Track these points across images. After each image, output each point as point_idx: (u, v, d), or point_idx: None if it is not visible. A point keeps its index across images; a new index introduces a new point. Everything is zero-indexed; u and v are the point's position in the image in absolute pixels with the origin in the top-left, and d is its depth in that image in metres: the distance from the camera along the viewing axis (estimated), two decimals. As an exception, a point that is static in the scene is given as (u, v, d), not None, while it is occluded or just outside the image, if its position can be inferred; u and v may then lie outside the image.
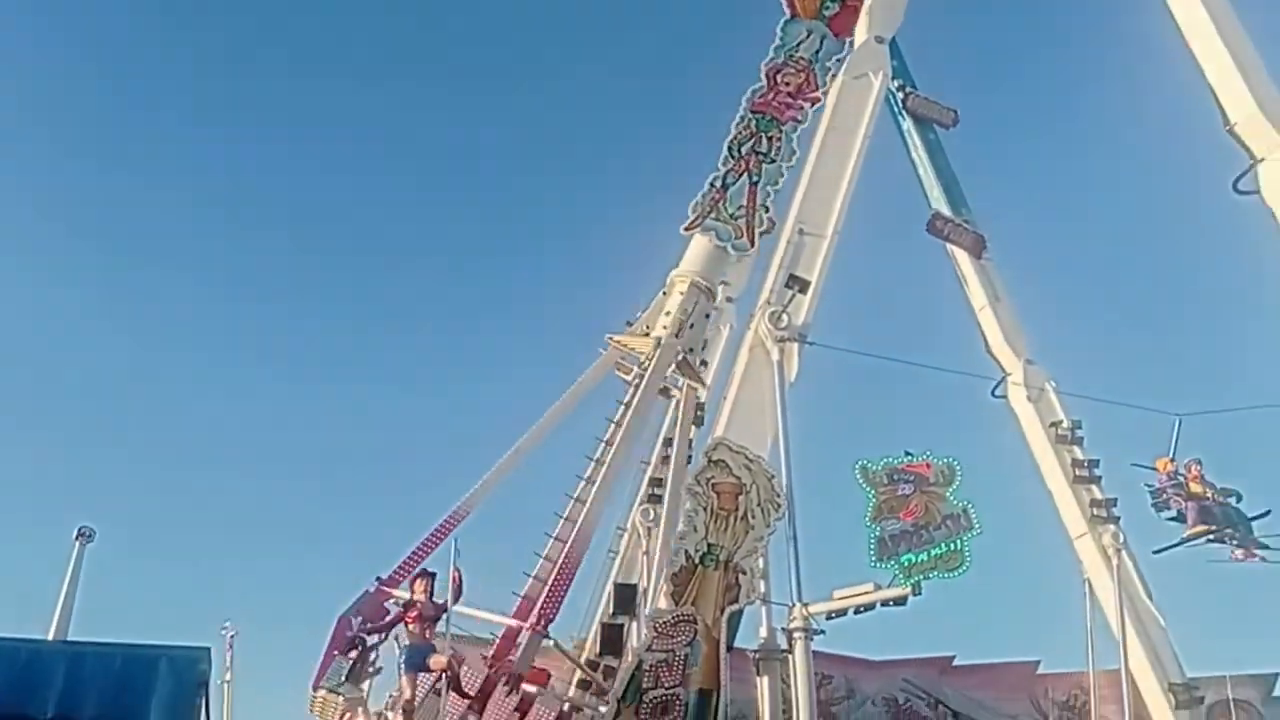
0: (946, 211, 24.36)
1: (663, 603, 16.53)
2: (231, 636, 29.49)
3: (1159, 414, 18.79)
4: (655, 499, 20.84)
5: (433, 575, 15.59)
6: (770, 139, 19.06)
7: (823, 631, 16.83)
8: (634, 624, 18.70)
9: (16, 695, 9.78)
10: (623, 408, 18.30)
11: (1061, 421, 23.01)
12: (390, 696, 15.69)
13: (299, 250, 61.70)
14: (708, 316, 20.79)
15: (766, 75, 19.37)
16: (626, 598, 18.77)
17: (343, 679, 15.42)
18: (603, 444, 18.00)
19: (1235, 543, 18.59)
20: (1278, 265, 19.27)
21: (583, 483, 17.72)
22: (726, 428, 18.13)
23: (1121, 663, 21.17)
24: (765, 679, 15.98)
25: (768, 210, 19.51)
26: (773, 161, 18.93)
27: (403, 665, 14.90)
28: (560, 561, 16.75)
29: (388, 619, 15.76)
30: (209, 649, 13.24)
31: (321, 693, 15.53)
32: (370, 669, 16.05)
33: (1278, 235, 19.19)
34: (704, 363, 20.74)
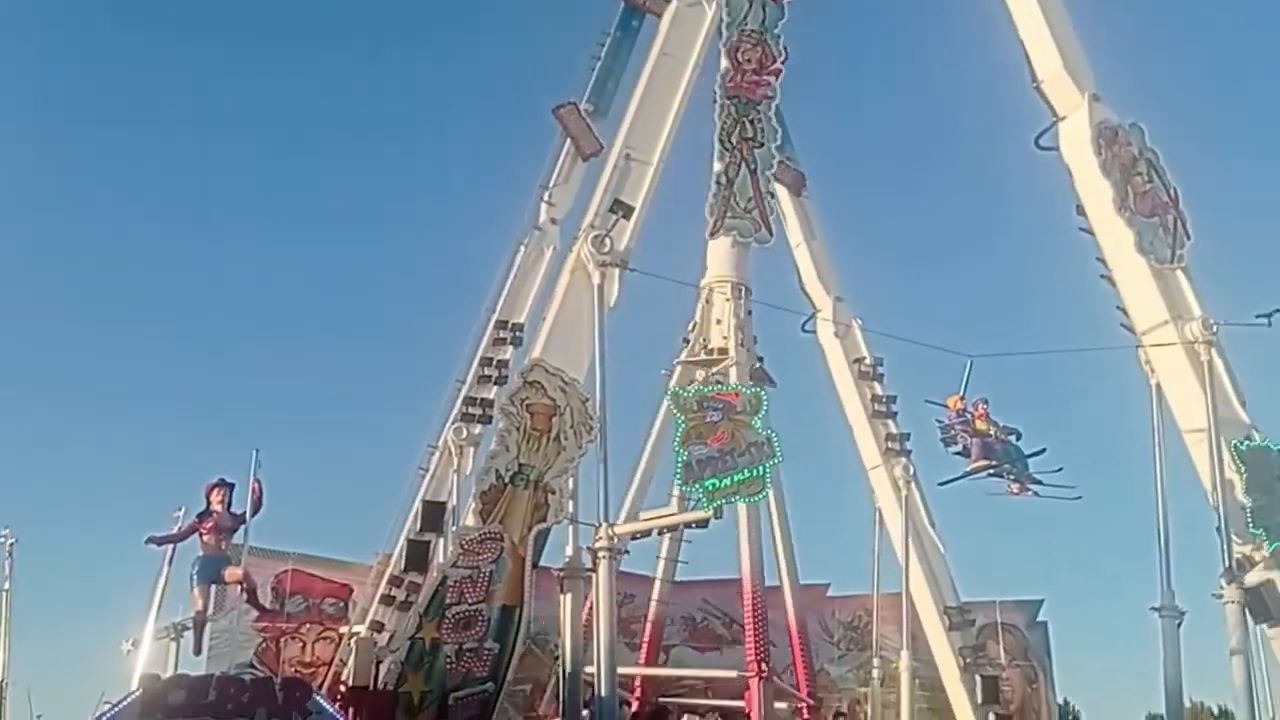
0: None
1: (470, 520, 16.57)
2: (11, 544, 27.84)
3: (953, 354, 19.80)
4: (469, 417, 20.72)
5: (231, 485, 15.13)
6: (752, 122, 19.06)
7: (627, 551, 17.19)
8: (440, 541, 18.69)
9: None
10: None
11: (864, 358, 24.07)
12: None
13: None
14: (750, 313, 23.15)
15: (727, 55, 19.44)
16: (434, 515, 18.74)
17: None
18: None
19: (1012, 477, 19.91)
20: (1072, 218, 20.48)
21: None
22: (544, 349, 18.09)
23: (904, 586, 22.56)
24: (569, 596, 16.21)
25: (773, 196, 19.90)
26: (761, 145, 18.99)
27: (195, 576, 14.49)
28: None
29: (180, 528, 15.21)
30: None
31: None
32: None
33: (1073, 190, 20.42)
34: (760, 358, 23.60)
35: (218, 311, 60.23)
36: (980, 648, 22.86)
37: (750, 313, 23.60)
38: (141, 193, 61.88)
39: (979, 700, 21.43)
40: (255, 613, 19.61)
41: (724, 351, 22.84)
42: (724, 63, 19.56)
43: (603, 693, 15.57)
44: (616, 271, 18.07)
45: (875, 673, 24.05)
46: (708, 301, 23.62)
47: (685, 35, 19.32)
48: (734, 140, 19.29)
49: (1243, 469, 18.59)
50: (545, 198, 22.97)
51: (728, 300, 23.35)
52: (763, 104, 19.38)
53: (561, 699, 16.37)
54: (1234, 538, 18.29)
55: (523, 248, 22.77)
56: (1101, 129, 19.76)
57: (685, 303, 23.84)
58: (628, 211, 18.06)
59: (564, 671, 16.30)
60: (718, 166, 19.08)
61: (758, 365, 23.33)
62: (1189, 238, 19.96)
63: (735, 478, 16.56)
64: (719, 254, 23.33)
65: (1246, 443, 18.96)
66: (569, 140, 22.81)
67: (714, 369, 22.44)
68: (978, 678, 21.69)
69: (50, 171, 56.05)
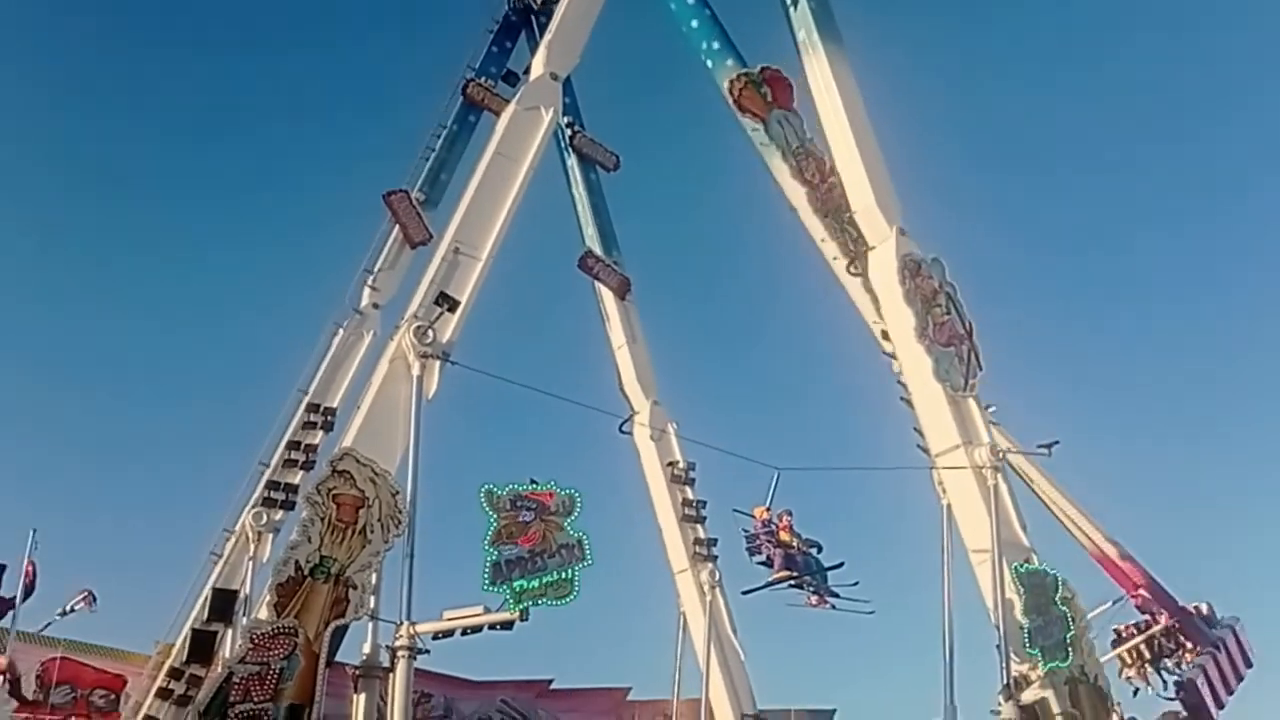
0: (598, 250, 25.34)
1: (264, 613, 15.84)
2: None
3: (763, 466, 20.39)
4: (271, 502, 20.00)
5: (3, 567, 14.07)
6: None
7: (427, 651, 16.69)
8: (229, 632, 17.83)
9: None
10: None
11: (678, 462, 24.49)
12: None
13: None
14: None
15: (797, 179, 22.64)
16: (224, 603, 17.94)
17: None
18: None
19: (811, 589, 20.51)
20: (877, 346, 21.65)
21: None
22: (356, 437, 17.66)
23: (703, 692, 22.72)
24: (363, 696, 15.64)
25: None
26: None
27: (-48, 665, 13.31)
28: None
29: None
30: None
31: None
32: None
33: (877, 315, 21.64)
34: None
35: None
36: (774, 757, 23.20)
37: None
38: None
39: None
40: (13, 705, 18.10)
41: None
42: (797, 188, 21.45)
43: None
44: (437, 364, 17.93)
45: (673, 780, 23.99)
46: None
47: (521, 137, 19.65)
48: None
49: (1022, 590, 19.72)
50: (369, 282, 22.80)
51: None
52: None
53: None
54: (1012, 656, 19.30)
55: (341, 330, 22.44)
56: (906, 261, 21.10)
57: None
58: (453, 305, 18.01)
59: (355, 774, 15.63)
60: None
61: None
62: (981, 368, 21.36)
63: (544, 579, 16.45)
64: None
65: (1026, 565, 20.16)
66: (397, 226, 22.78)
67: None
68: (768, 788, 21.97)
69: None
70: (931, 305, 21.21)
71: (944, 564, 20.27)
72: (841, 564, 20.94)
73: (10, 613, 13.74)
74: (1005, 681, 18.89)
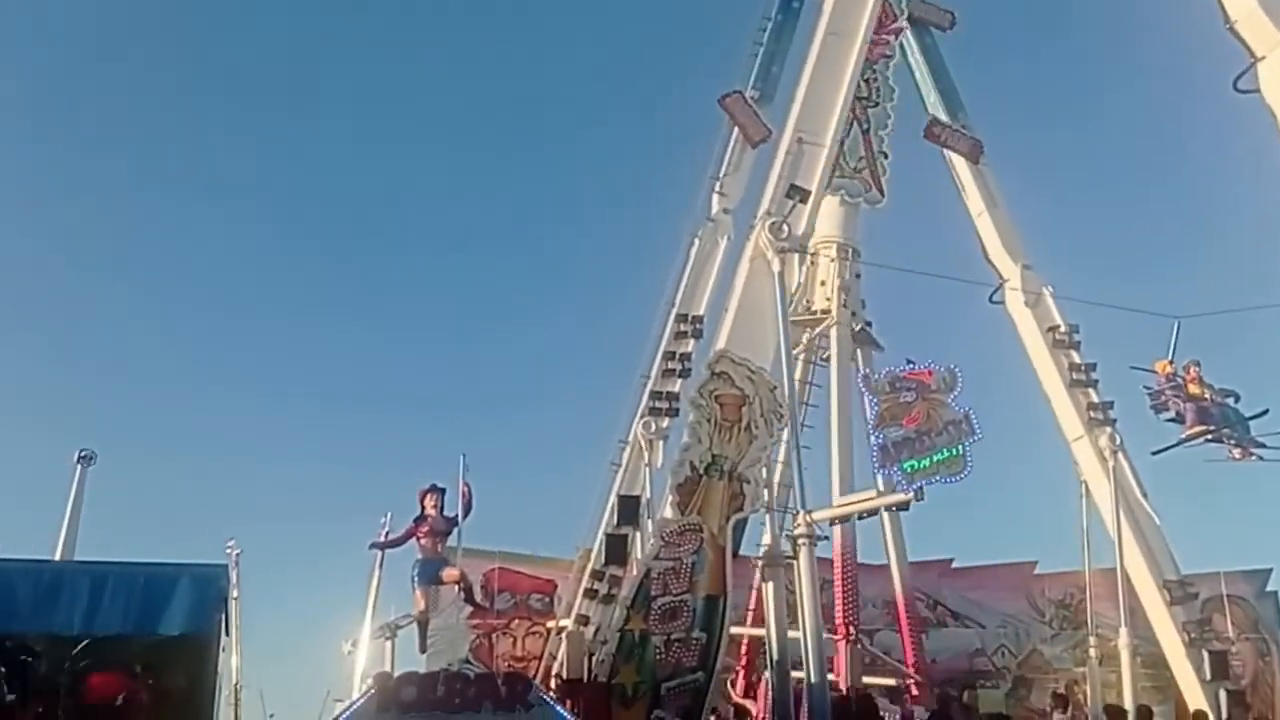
0: (944, 117, 24.12)
1: (669, 512, 16.76)
2: (237, 555, 29.82)
3: (1157, 316, 18.76)
4: (656, 411, 20.96)
5: (442, 490, 15.70)
6: (868, 82, 18.94)
7: (826, 537, 17.06)
8: (637, 534, 18.98)
9: (42, 612, 9.96)
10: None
11: (1059, 326, 23.07)
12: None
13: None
14: (858, 276, 22.27)
15: None
16: (630, 509, 19.04)
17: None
18: None
19: (1233, 442, 18.73)
20: (1277, 163, 19.10)
21: None
22: (728, 340, 18.14)
23: (1117, 561, 21.56)
24: (770, 585, 16.19)
25: (886, 156, 19.58)
26: (876, 104, 18.84)
27: (416, 578, 15.10)
28: None
29: (399, 534, 15.92)
30: (226, 566, 13.49)
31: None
32: None
33: (1276, 132, 19.04)
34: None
35: (406, 318, 62.62)
36: (1205, 622, 21.62)
37: (859, 276, 22.79)
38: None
39: (1207, 676, 20.32)
40: (468, 611, 20.39)
41: (826, 313, 22.13)
42: None
43: (813, 679, 15.48)
44: (796, 257, 17.94)
45: (1093, 651, 23.04)
46: (812, 263, 22.65)
47: (851, 12, 19.01)
48: None
49: None
50: (716, 188, 22.99)
51: (833, 261, 22.52)
52: (879, 63, 18.98)
53: (772, 687, 16.37)
54: None
55: (697, 240, 22.88)
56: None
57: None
58: (804, 195, 17.88)
59: (771, 660, 16.29)
60: None
61: (864, 329, 22.53)
62: None
63: (934, 457, 16.27)
64: (826, 214, 22.25)
65: None
66: (736, 129, 22.79)
67: (816, 329, 21.78)
68: (1205, 653, 20.56)
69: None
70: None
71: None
72: (1266, 411, 18.91)
73: (455, 530, 15.30)
74: None
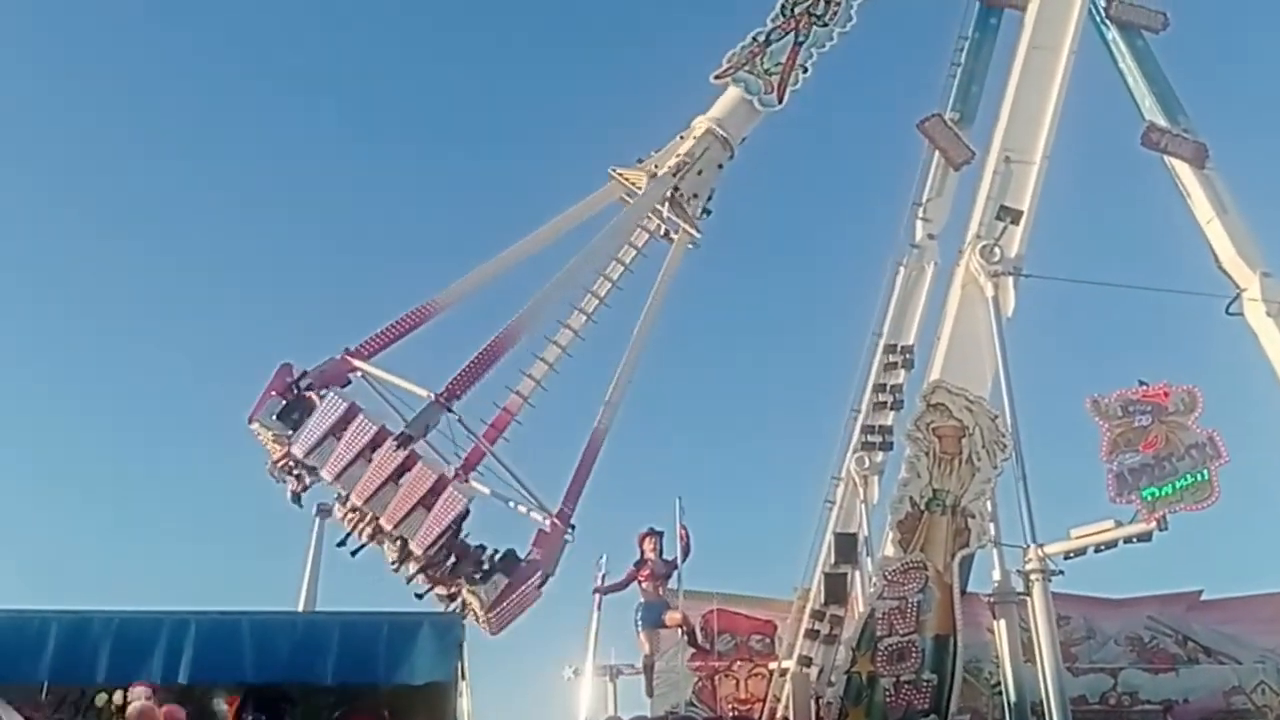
0: (1162, 122, 22.84)
1: (890, 550, 16.38)
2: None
3: None
4: (869, 446, 20.56)
5: (660, 533, 15.91)
6: (828, 1, 18.45)
7: (1061, 572, 16.29)
8: (856, 573, 18.62)
9: (299, 663, 10.56)
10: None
11: (1309, 336, 21.32)
12: None
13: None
14: (720, 167, 19.98)
15: None
16: (847, 547, 18.74)
17: (274, 418, 15.32)
18: (589, 294, 17.51)
19: None
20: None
21: (564, 330, 17.18)
22: (942, 369, 17.65)
23: None
24: (1002, 623, 15.58)
25: (806, 71, 18.83)
26: (825, 25, 18.30)
27: (640, 622, 15.29)
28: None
29: (621, 579, 16.17)
30: (462, 615, 14.00)
31: (255, 425, 15.61)
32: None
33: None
34: (707, 211, 19.67)
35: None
36: None
37: (721, 166, 19.96)
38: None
39: None
40: (690, 653, 20.42)
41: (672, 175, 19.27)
42: None
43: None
44: (1010, 280, 17.33)
45: None
46: (682, 136, 19.95)
47: (1055, 23, 18.37)
48: (796, 10, 18.58)
49: None
50: (920, 214, 22.55)
51: (695, 139, 19.66)
52: None
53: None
54: None
55: (902, 268, 22.45)
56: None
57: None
58: (1015, 216, 17.30)
59: (1008, 701, 15.64)
60: (763, 26, 18.42)
61: (675, 194, 19.28)
62: None
63: (1177, 484, 15.24)
64: (725, 101, 19.94)
65: None
66: (937, 152, 22.30)
67: (629, 180, 19.20)
68: None
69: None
70: None
71: None
72: None
73: (675, 572, 15.43)
74: None
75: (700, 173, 18.95)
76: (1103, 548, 16.11)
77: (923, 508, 16.13)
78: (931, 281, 20.96)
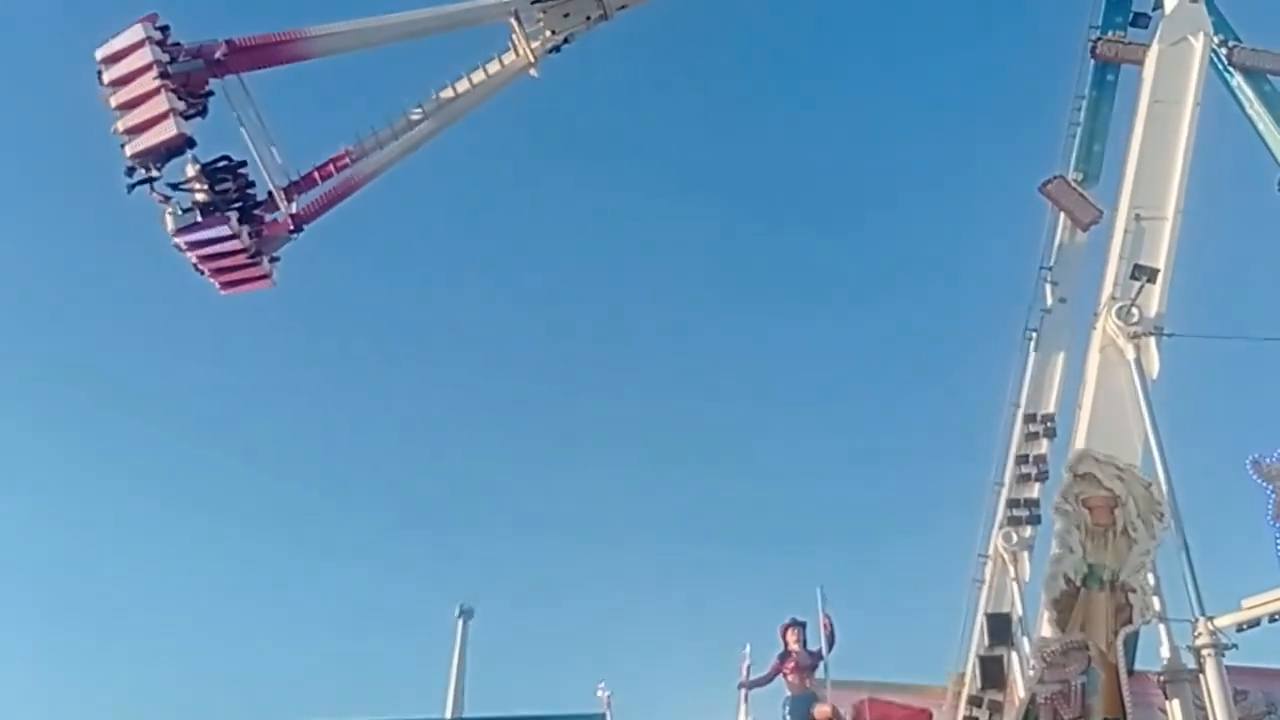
0: (1299, 170, 21.97)
1: (1047, 630, 15.65)
2: (608, 697, 30.61)
3: None
4: (1016, 520, 19.90)
5: (802, 624, 15.60)
6: None
7: (1234, 646, 15.34)
8: (1013, 654, 17.89)
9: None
10: None
11: None
12: None
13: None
14: (588, 19, 19.71)
15: None
16: (1001, 627, 18.05)
17: None
18: None
19: None
20: None
21: None
22: (1087, 437, 16.97)
23: None
24: (1175, 702, 14.69)
25: None
26: None
27: (788, 716, 14.95)
28: None
29: (766, 672, 15.87)
30: (603, 714, 13.90)
31: None
32: None
33: None
34: (557, 49, 19.73)
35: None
36: None
37: (589, 19, 19.87)
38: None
39: None
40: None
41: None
42: None
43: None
44: (1152, 340, 16.71)
45: None
46: None
47: (1176, 76, 17.89)
48: None
49: None
50: (1048, 278, 22.08)
51: None
52: None
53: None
54: None
55: (1034, 334, 21.92)
56: None
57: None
58: (1152, 275, 16.73)
59: (1191, 788, 14.66)
60: None
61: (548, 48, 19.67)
62: None
63: (1360, 547, 14.30)
64: None
65: None
66: (1062, 215, 21.87)
67: None
68: None
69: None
70: None
71: None
72: None
73: (820, 663, 15.05)
74: None
75: (567, 16, 19.08)
76: (1278, 616, 15.17)
77: (1079, 584, 15.40)
78: (1068, 347, 20.40)
